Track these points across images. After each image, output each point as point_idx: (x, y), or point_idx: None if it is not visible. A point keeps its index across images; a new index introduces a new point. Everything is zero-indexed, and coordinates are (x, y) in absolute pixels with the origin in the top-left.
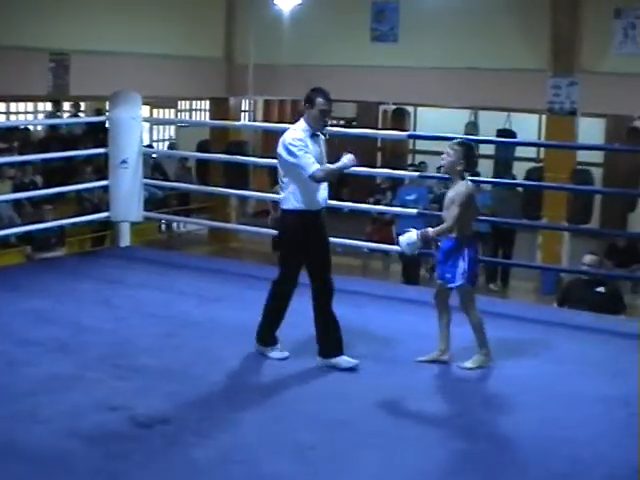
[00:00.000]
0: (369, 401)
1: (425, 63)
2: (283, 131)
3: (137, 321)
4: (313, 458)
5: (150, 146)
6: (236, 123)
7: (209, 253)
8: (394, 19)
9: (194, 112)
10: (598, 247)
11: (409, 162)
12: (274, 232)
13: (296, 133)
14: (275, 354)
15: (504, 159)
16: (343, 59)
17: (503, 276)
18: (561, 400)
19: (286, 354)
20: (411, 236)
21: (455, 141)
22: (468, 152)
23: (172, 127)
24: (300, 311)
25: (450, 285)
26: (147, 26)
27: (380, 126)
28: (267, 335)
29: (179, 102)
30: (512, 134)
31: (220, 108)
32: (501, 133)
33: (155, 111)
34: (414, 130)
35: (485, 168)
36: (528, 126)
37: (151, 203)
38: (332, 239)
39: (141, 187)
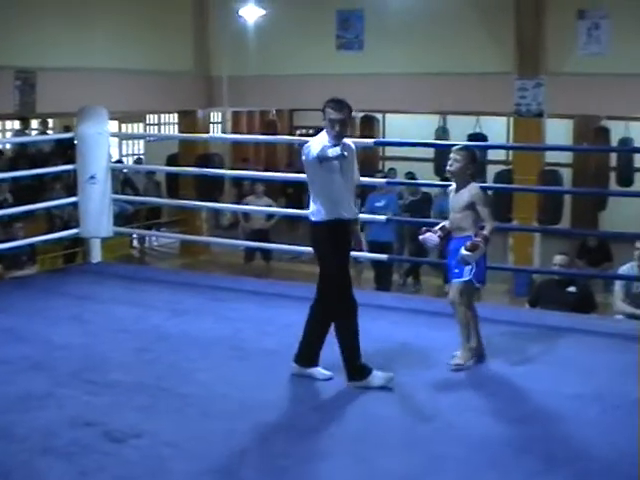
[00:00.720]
0: (342, 407)
1: (391, 70)
2: (253, 142)
3: (109, 336)
4: (286, 466)
5: (120, 161)
6: (205, 135)
7: (181, 266)
8: (359, 27)
9: (162, 126)
10: (569, 247)
11: (379, 169)
12: (246, 243)
13: (322, 141)
14: (378, 380)
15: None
16: (309, 68)
17: None
18: (534, 398)
19: (390, 376)
20: (475, 249)
21: (459, 147)
22: (474, 156)
23: (141, 141)
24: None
25: (456, 280)
26: (113, 41)
27: (349, 134)
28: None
29: (147, 116)
30: (483, 137)
31: (189, 121)
32: (472, 137)
33: (124, 126)
34: (383, 137)
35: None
36: (497, 129)
37: (122, 218)
38: (302, 248)
39: (110, 202)
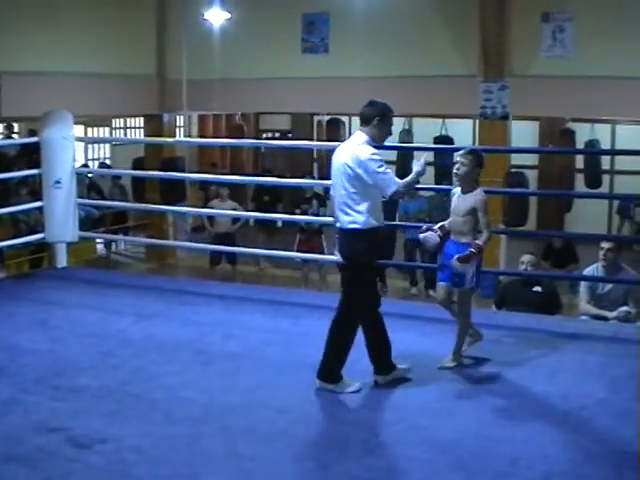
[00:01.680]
0: (307, 411)
1: (357, 73)
2: (220, 145)
3: (74, 341)
4: (252, 470)
5: (86, 165)
6: (169, 140)
7: (146, 271)
8: (325, 30)
9: (129, 130)
10: (535, 248)
11: None
12: (212, 247)
13: (369, 148)
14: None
15: (443, 165)
16: (275, 72)
17: None
18: (499, 400)
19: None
20: (467, 261)
21: (465, 150)
22: (480, 160)
23: (107, 145)
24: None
25: (457, 287)
26: (79, 45)
27: (315, 137)
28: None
29: (113, 120)
30: (449, 140)
31: (154, 125)
32: (439, 140)
33: (90, 130)
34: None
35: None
36: (463, 132)
37: (88, 223)
38: (265, 251)
39: (76, 207)
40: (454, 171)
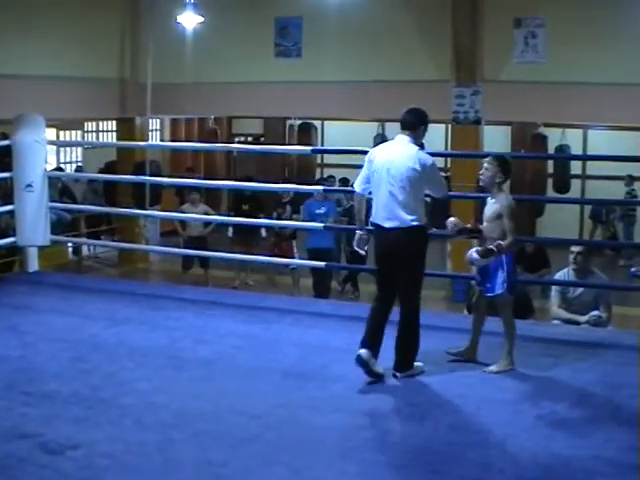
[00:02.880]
0: (279, 417)
1: (330, 77)
2: (192, 149)
3: (45, 346)
4: (223, 475)
5: (59, 169)
6: (141, 143)
7: (118, 275)
8: (297, 35)
9: (101, 133)
10: None
11: (318, 176)
12: (184, 251)
13: (425, 154)
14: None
15: None
16: (248, 75)
17: None
18: (470, 405)
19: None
20: (486, 255)
21: (491, 156)
22: (504, 165)
23: (79, 149)
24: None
25: (489, 294)
26: (51, 48)
27: (287, 141)
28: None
29: (85, 123)
30: (421, 145)
31: (126, 128)
32: None
33: (62, 133)
34: (322, 144)
35: None
36: (435, 136)
37: (60, 226)
38: (238, 255)
39: (47, 211)
40: (479, 176)
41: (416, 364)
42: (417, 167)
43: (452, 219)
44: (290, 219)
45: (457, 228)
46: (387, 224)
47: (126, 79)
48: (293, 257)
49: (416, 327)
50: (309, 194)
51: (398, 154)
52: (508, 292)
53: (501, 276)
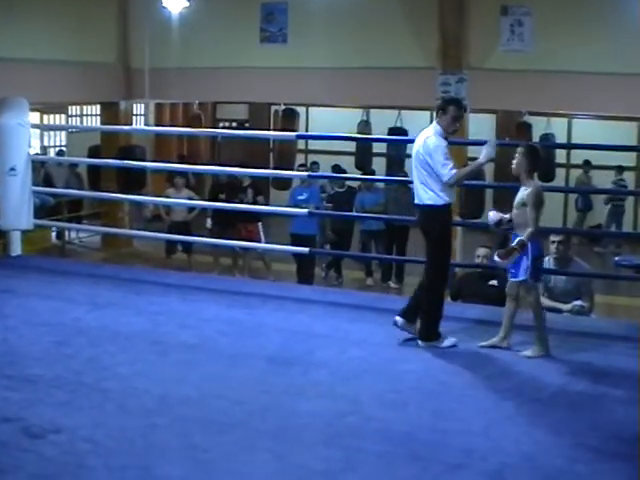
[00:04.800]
0: (262, 402)
1: (315, 63)
2: (177, 134)
3: (28, 330)
4: (206, 461)
5: (46, 152)
6: (126, 127)
7: (102, 259)
8: (283, 20)
9: (85, 117)
10: (490, 240)
11: (302, 162)
12: (167, 236)
13: (438, 139)
14: (447, 342)
15: (397, 157)
16: (233, 61)
17: (398, 272)
18: (454, 392)
19: (455, 340)
20: (508, 256)
21: (522, 145)
22: (533, 154)
23: (63, 133)
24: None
25: (513, 280)
26: (35, 31)
27: (272, 127)
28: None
29: (69, 107)
30: (404, 132)
31: (111, 113)
32: (393, 131)
33: (45, 117)
34: (306, 130)
35: (381, 165)
36: (419, 123)
37: (43, 210)
38: (217, 240)
39: (31, 194)
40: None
41: (447, 340)
42: (421, 150)
43: (492, 212)
44: (254, 202)
45: (496, 220)
46: (415, 201)
47: (114, 63)
48: (259, 240)
49: (433, 300)
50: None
51: (419, 138)
52: (532, 278)
53: (525, 262)
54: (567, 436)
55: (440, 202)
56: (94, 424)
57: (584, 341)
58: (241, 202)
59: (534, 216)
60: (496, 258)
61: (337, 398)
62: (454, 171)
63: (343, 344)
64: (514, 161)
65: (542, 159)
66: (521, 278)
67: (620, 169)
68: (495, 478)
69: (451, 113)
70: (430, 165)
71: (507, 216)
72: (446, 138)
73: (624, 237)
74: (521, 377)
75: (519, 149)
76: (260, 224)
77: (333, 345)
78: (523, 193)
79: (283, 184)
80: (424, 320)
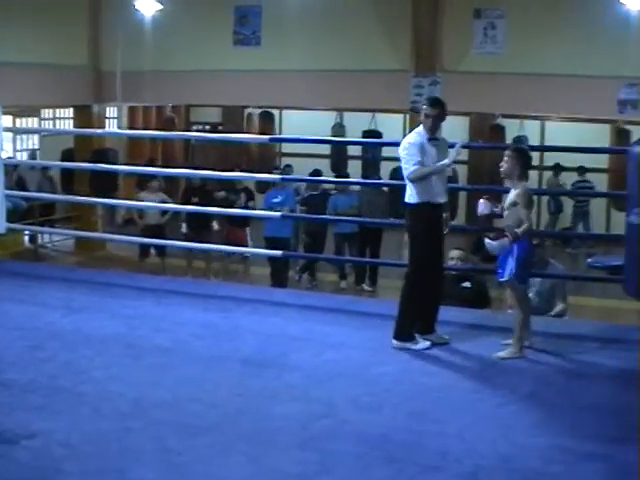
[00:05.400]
0: (237, 406)
1: (289, 66)
2: (150, 137)
3: (2, 335)
4: (181, 464)
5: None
6: (99, 131)
7: (76, 263)
8: (257, 23)
9: (58, 120)
10: (464, 242)
11: (276, 165)
12: (141, 240)
13: (411, 137)
14: (420, 345)
15: (372, 159)
16: (207, 64)
17: (371, 275)
18: (429, 394)
19: (428, 343)
20: (504, 240)
21: (511, 147)
22: (523, 157)
23: (36, 136)
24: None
25: (499, 279)
26: (7, 34)
27: (245, 130)
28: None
29: (42, 110)
30: (378, 134)
31: (84, 116)
32: (367, 134)
33: (18, 120)
34: (280, 133)
35: (355, 168)
36: (393, 126)
37: (16, 214)
38: (194, 244)
39: (3, 198)
40: (501, 168)
41: (420, 342)
42: (400, 149)
43: (483, 201)
44: (246, 207)
45: (487, 211)
46: None
47: (86, 66)
48: (247, 245)
49: (410, 300)
50: (269, 183)
51: None
52: (517, 280)
53: (510, 263)
54: (543, 437)
55: (414, 200)
56: (69, 428)
57: (559, 342)
58: (232, 205)
59: (525, 214)
60: (487, 241)
61: (312, 401)
62: (415, 167)
63: (318, 347)
64: (504, 164)
65: (531, 161)
66: (506, 278)
67: (582, 170)
68: None
69: (423, 112)
70: (408, 162)
71: (497, 210)
72: (431, 139)
73: (595, 239)
74: (496, 378)
75: (509, 152)
76: (248, 229)
77: (308, 348)
78: (513, 193)
79: (265, 187)
80: (399, 318)
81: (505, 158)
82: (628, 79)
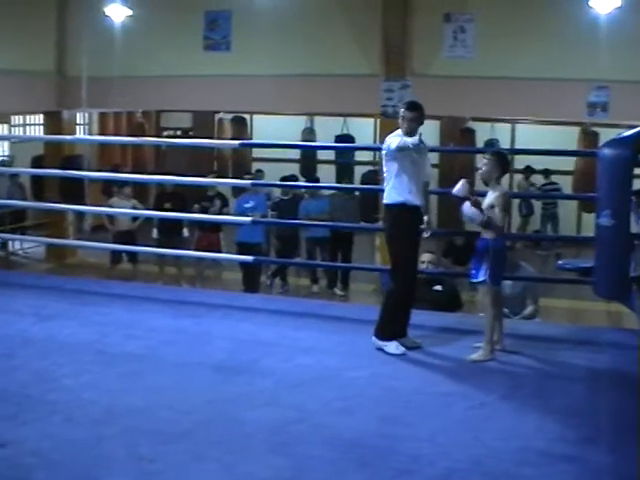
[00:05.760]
0: (209, 412)
1: (259, 71)
2: (120, 143)
3: None
4: (153, 472)
5: None
6: (69, 137)
7: (47, 270)
8: (227, 28)
9: (28, 127)
10: (435, 245)
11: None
12: (112, 246)
13: (392, 136)
14: (395, 350)
15: (345, 164)
16: (177, 69)
17: (343, 279)
18: (401, 398)
19: (403, 350)
20: (476, 212)
21: (490, 151)
22: (502, 160)
23: (6, 143)
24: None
25: (473, 280)
26: None
27: (216, 135)
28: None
29: (12, 117)
30: (350, 139)
31: (54, 122)
32: (340, 138)
33: None
34: (251, 138)
35: (325, 172)
36: (365, 130)
37: None
38: (166, 250)
39: None
40: (480, 172)
41: (396, 347)
42: (385, 150)
43: (464, 181)
44: (220, 213)
45: (467, 192)
46: None
47: (55, 72)
48: (220, 250)
49: (391, 301)
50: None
51: None
52: (492, 282)
53: (485, 264)
54: (514, 440)
55: (390, 201)
56: (40, 437)
57: (530, 344)
58: (205, 210)
59: (501, 216)
60: (467, 206)
61: (284, 406)
62: (398, 139)
63: (289, 352)
64: (483, 167)
65: (509, 165)
66: (481, 279)
67: (547, 173)
68: None
69: (400, 114)
70: (385, 159)
71: (476, 198)
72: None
73: (566, 241)
74: (468, 381)
75: (488, 155)
76: (221, 234)
77: (279, 353)
78: (492, 196)
79: (239, 192)
80: (381, 317)
81: (484, 161)
82: (597, 82)
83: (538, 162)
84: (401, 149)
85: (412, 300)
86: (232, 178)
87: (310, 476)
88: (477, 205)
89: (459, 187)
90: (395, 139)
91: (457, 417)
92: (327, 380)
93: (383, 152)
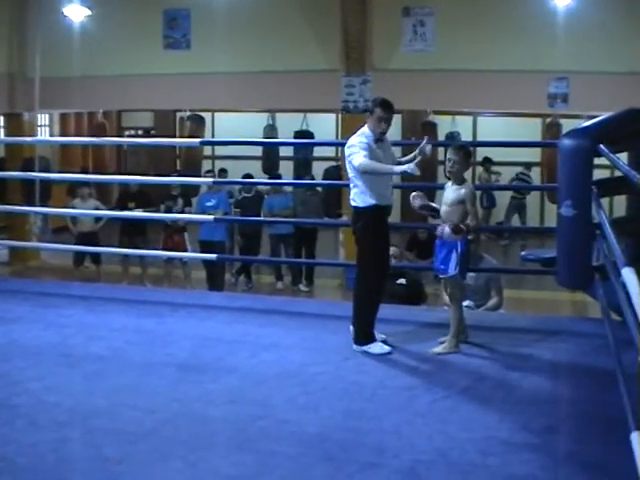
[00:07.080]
0: (173, 411)
1: (219, 69)
2: (82, 144)
3: None
4: (119, 472)
5: None
6: (29, 139)
7: (10, 274)
8: (186, 26)
9: None
10: (399, 239)
11: (209, 168)
12: (75, 248)
13: (359, 137)
14: (379, 350)
15: (304, 160)
16: (136, 68)
17: (307, 275)
18: (365, 392)
19: (389, 349)
20: (459, 232)
21: (456, 147)
22: (468, 155)
23: None
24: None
25: (442, 275)
26: None
27: (178, 134)
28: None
29: None
30: (310, 135)
31: (14, 124)
32: (299, 134)
33: None
34: (212, 136)
35: (287, 169)
36: (325, 126)
37: None
38: (130, 250)
39: None
40: (448, 169)
41: (380, 347)
42: (346, 152)
43: (417, 192)
44: (182, 212)
45: (422, 203)
46: None
47: (14, 73)
48: (185, 249)
49: (361, 303)
50: (198, 186)
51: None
52: (460, 275)
53: (454, 258)
54: (478, 430)
55: (360, 204)
56: (4, 442)
57: (494, 336)
58: (169, 210)
59: (475, 211)
60: (447, 230)
61: (248, 403)
62: (366, 160)
63: (253, 349)
64: (454, 164)
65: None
66: (451, 273)
67: (527, 165)
68: (409, 475)
69: (377, 114)
70: (351, 165)
71: (435, 205)
72: (377, 140)
73: (529, 232)
74: (432, 374)
75: (455, 150)
76: (186, 234)
77: (243, 350)
78: (458, 192)
79: (194, 191)
80: (356, 323)
81: (455, 158)
82: (557, 73)
83: (499, 154)
84: (386, 172)
85: (381, 296)
86: (184, 176)
87: (275, 471)
88: (457, 229)
89: (416, 200)
90: (359, 138)
91: (421, 410)
92: (291, 376)
93: (347, 150)
